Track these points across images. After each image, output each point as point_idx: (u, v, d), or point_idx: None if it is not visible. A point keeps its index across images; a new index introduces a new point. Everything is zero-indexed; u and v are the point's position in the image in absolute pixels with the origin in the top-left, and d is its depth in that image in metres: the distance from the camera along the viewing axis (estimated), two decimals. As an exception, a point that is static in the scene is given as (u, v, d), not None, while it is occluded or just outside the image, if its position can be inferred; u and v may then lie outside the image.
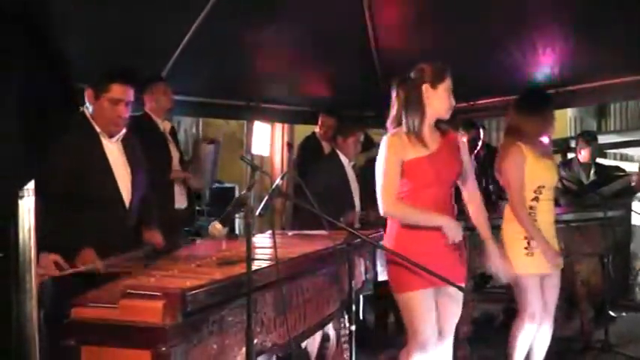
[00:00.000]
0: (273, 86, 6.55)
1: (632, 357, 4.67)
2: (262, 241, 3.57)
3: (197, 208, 6.51)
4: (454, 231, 3.08)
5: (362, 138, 5.43)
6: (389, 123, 3.23)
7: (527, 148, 3.81)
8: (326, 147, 6.11)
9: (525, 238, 3.79)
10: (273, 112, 7.00)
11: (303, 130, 7.83)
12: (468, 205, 3.38)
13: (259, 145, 7.33)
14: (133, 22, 4.81)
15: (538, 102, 3.96)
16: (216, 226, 2.51)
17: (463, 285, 3.15)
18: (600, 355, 4.82)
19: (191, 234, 5.91)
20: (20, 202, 1.60)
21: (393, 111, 3.19)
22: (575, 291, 5.34)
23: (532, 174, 3.80)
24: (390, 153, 3.09)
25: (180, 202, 4.96)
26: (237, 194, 7.32)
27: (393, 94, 3.19)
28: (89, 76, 3.25)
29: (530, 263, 3.77)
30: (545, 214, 3.84)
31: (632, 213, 6.31)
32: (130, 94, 3.22)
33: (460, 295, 3.22)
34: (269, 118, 7.20)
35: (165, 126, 4.88)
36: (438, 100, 3.13)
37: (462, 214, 3.44)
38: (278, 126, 7.87)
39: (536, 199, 3.82)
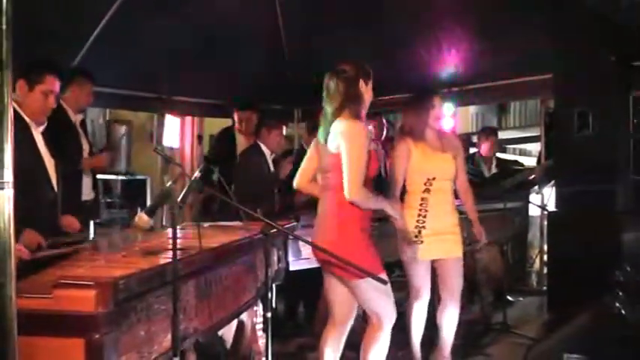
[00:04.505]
0: (184, 79, 6.51)
1: (527, 337, 4.97)
2: (179, 232, 3.59)
3: (108, 200, 6.42)
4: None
5: (284, 132, 5.54)
6: (331, 114, 3.30)
7: (414, 143, 4.01)
8: (241, 141, 6.10)
9: (416, 226, 3.98)
10: (184, 104, 6.98)
11: (212, 123, 7.82)
12: None
13: (169, 137, 7.26)
14: (46, 10, 4.69)
15: (414, 100, 4.18)
16: (143, 218, 2.54)
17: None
18: (499, 335, 5.14)
19: (100, 226, 5.82)
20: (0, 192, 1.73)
21: (335, 103, 3.28)
22: (476, 277, 5.65)
23: (420, 167, 4.00)
24: (366, 141, 3.22)
25: (87, 193, 4.90)
26: (148, 186, 7.23)
27: (331, 87, 3.29)
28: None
29: (419, 249, 3.98)
30: (439, 205, 4.01)
31: (530, 204, 6.65)
32: (58, 85, 3.26)
33: None
34: (179, 110, 7.15)
35: (76, 118, 4.80)
36: (368, 94, 3.34)
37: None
38: (188, 118, 7.82)
39: (427, 190, 3.99)
